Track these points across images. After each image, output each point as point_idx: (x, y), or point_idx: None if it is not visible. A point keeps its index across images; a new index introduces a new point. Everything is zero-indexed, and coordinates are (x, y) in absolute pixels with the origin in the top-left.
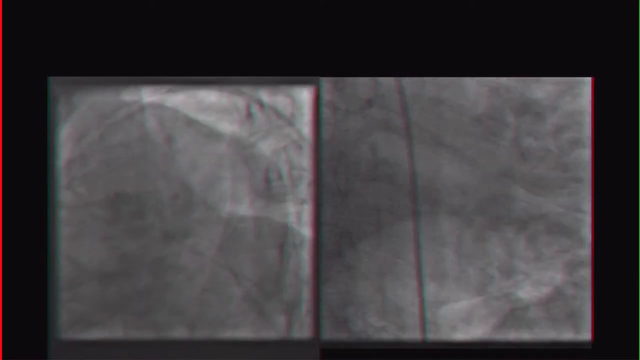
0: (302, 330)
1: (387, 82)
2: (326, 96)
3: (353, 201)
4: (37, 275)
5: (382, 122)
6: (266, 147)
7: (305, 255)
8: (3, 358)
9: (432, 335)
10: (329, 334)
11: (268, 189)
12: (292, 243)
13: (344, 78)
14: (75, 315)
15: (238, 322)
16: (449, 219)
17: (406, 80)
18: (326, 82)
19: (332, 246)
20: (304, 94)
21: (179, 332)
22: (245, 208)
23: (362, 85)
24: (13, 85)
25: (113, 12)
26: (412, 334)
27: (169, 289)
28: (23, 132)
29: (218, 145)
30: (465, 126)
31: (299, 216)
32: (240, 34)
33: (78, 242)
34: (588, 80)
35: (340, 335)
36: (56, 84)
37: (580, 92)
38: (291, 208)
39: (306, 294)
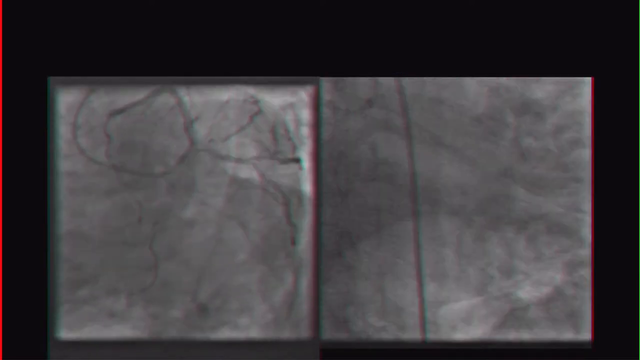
0: (302, 330)
1: (387, 82)
2: (326, 96)
3: (353, 201)
4: (37, 275)
5: (382, 122)
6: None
7: (305, 254)
8: (3, 358)
9: (432, 335)
10: (329, 334)
11: (275, 146)
12: (296, 201)
13: (344, 78)
14: (77, 276)
15: (245, 278)
16: (449, 219)
17: (406, 80)
18: (326, 82)
19: (332, 246)
20: (304, 94)
21: (187, 302)
22: (250, 168)
23: (362, 85)
24: (13, 85)
25: (112, 12)
26: (412, 334)
27: (173, 266)
28: (23, 132)
29: (224, 103)
30: (465, 126)
31: (302, 175)
32: (241, 34)
33: (77, 244)
34: (588, 80)
35: (340, 335)
36: (56, 84)
37: (580, 92)
38: (296, 166)
39: (305, 293)
